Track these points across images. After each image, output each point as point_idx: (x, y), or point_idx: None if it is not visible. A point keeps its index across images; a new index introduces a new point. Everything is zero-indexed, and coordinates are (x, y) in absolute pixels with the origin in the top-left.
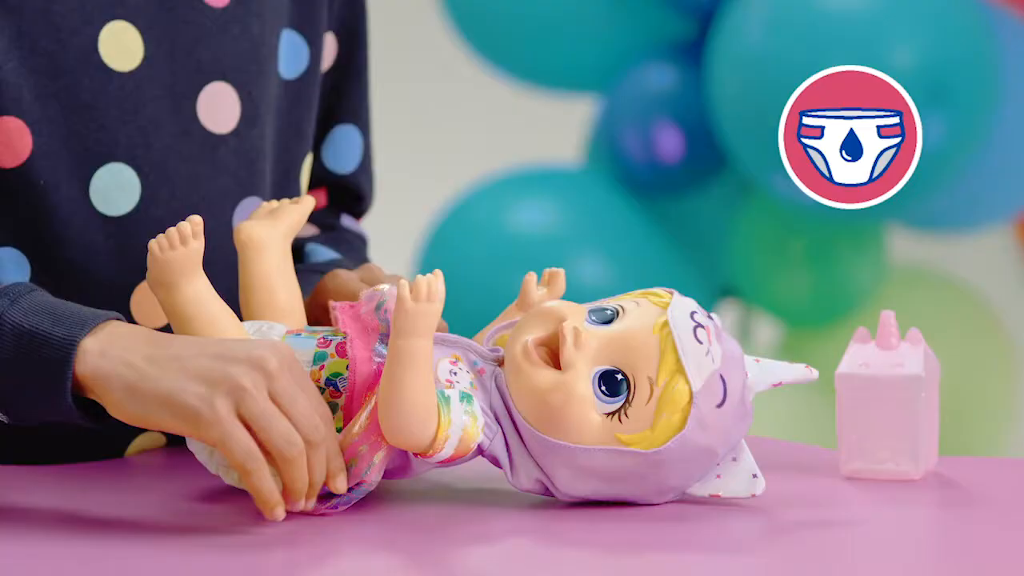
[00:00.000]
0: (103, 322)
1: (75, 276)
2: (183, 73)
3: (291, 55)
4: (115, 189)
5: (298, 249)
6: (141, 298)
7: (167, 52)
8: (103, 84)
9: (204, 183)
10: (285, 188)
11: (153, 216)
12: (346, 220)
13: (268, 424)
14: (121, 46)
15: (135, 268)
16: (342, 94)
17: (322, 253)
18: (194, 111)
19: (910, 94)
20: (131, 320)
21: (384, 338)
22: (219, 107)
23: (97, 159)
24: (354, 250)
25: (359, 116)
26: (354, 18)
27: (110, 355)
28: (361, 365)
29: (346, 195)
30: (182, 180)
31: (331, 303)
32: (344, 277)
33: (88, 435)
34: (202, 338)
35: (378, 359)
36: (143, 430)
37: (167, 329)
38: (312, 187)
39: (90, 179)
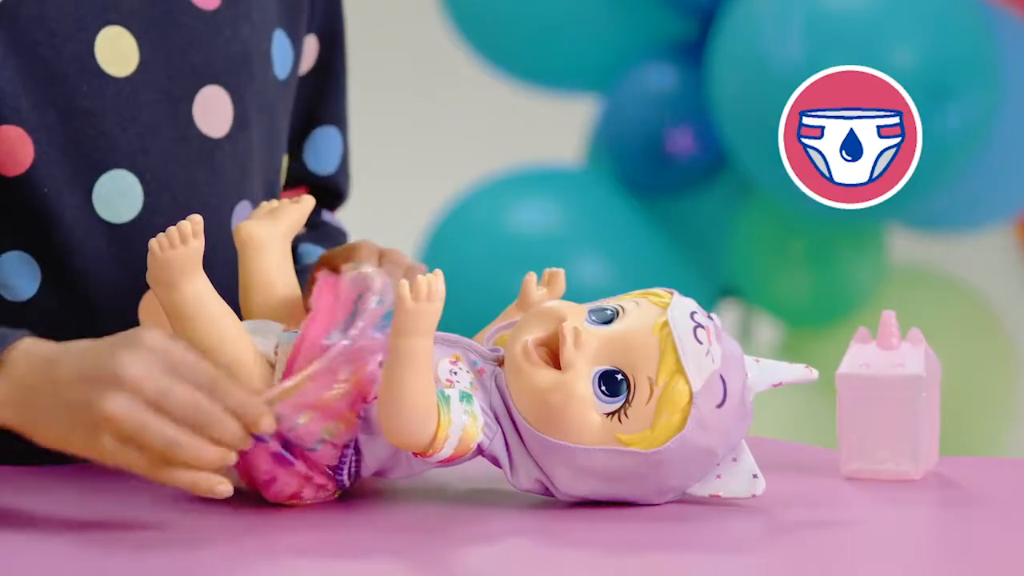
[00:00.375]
0: (2, 352)
1: (83, 282)
2: (178, 77)
3: (282, 56)
4: (117, 196)
5: (292, 249)
6: (149, 304)
7: (162, 56)
8: (101, 90)
9: (203, 188)
10: (272, 190)
11: (156, 223)
12: (326, 215)
13: (146, 438)
14: (116, 51)
15: (140, 275)
16: (324, 96)
17: (315, 254)
18: (190, 115)
19: (910, 94)
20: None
21: (349, 323)
22: (214, 111)
23: (99, 166)
24: (339, 246)
25: (339, 117)
26: (334, 20)
27: (8, 398)
28: (308, 344)
29: (326, 194)
30: (181, 186)
31: (318, 275)
32: (327, 255)
33: None
34: (75, 352)
35: (328, 343)
36: None
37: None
38: (292, 186)
39: (93, 186)
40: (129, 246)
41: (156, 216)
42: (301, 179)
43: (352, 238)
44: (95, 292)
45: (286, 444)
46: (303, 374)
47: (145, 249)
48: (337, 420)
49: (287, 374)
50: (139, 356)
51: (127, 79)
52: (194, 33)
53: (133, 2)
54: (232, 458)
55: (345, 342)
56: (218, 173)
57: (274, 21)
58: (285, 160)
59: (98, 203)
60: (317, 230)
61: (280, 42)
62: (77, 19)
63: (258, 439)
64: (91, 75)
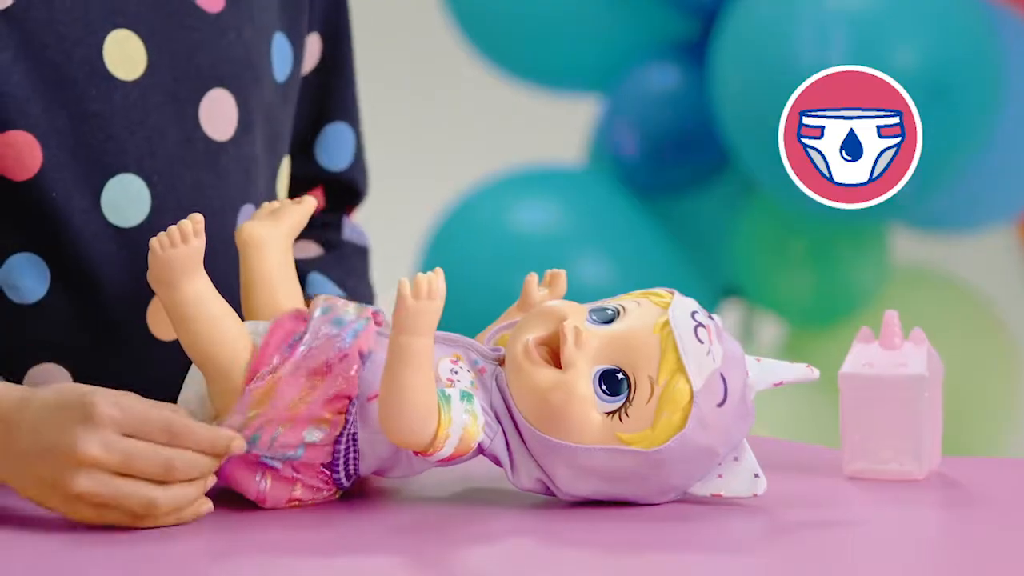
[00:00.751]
0: None
1: (92, 285)
2: (185, 80)
3: (281, 58)
4: (125, 200)
5: (301, 276)
6: (158, 309)
7: (168, 59)
8: (109, 93)
9: (208, 191)
10: (273, 192)
11: (163, 227)
12: (347, 231)
13: (122, 503)
14: (124, 55)
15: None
16: (331, 92)
17: (320, 286)
18: (196, 119)
19: (911, 94)
20: (148, 332)
21: (301, 336)
22: (219, 114)
23: (107, 170)
24: (355, 274)
25: (349, 112)
26: (338, 15)
27: None
28: (272, 339)
29: (342, 191)
30: (188, 189)
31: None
32: None
33: None
34: (31, 420)
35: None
36: None
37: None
38: (308, 186)
39: (101, 190)
40: (137, 250)
41: (163, 219)
42: (315, 177)
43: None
44: (104, 295)
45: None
46: (259, 394)
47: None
48: (316, 423)
49: (249, 379)
50: (94, 432)
51: (135, 82)
52: (199, 36)
53: (139, 5)
54: (210, 483)
55: (302, 348)
56: (223, 176)
57: (275, 23)
58: (285, 162)
59: (106, 207)
60: (335, 251)
61: (280, 44)
62: (86, 23)
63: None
64: (100, 79)
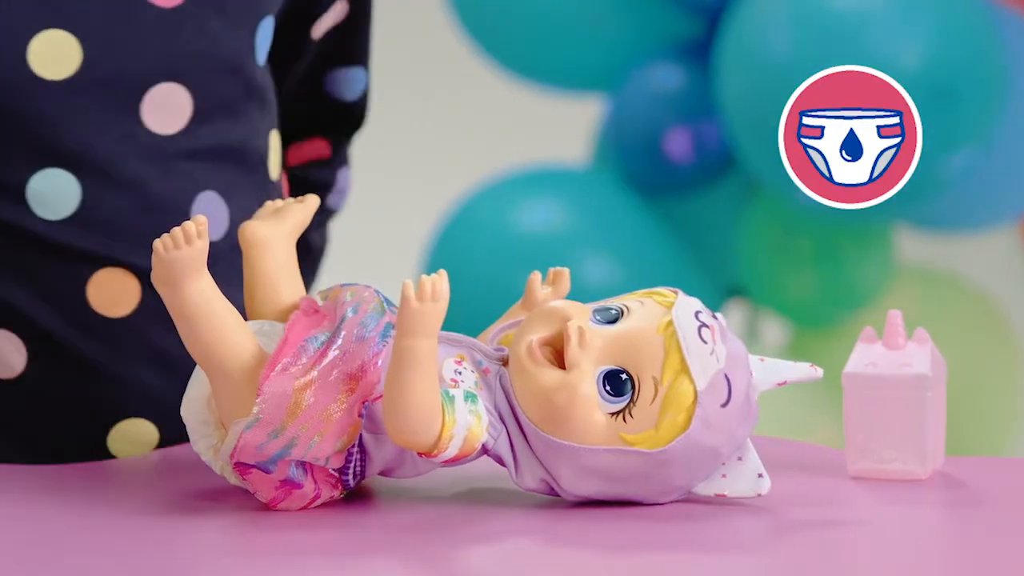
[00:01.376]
0: None
1: (25, 266)
2: (125, 77)
3: (266, 38)
4: (52, 195)
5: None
6: (99, 288)
7: (107, 56)
8: (32, 93)
9: (153, 184)
10: (253, 173)
11: (94, 219)
12: (335, 195)
13: None
14: (55, 55)
15: (86, 260)
16: (346, 41)
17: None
18: (138, 114)
19: (912, 94)
20: (91, 310)
21: (333, 336)
22: (167, 108)
23: (31, 165)
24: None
25: (365, 57)
26: None
27: None
28: (291, 336)
29: (343, 118)
30: (127, 182)
31: (292, 314)
32: None
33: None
34: None
35: (311, 345)
36: (122, 417)
37: (136, 319)
38: (312, 129)
39: (26, 184)
40: (70, 238)
41: (95, 212)
42: (318, 112)
43: (358, 238)
44: (38, 276)
45: (298, 463)
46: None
47: (85, 243)
48: (345, 434)
49: (267, 374)
50: None
51: (64, 82)
52: (147, 30)
53: (78, 5)
54: None
55: (335, 353)
56: (167, 169)
57: (263, 9)
58: (276, 138)
59: (32, 200)
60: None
61: (266, 30)
62: (6, 26)
63: (264, 470)
64: (24, 81)
